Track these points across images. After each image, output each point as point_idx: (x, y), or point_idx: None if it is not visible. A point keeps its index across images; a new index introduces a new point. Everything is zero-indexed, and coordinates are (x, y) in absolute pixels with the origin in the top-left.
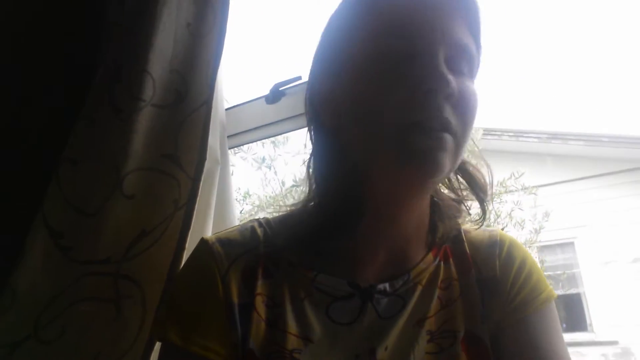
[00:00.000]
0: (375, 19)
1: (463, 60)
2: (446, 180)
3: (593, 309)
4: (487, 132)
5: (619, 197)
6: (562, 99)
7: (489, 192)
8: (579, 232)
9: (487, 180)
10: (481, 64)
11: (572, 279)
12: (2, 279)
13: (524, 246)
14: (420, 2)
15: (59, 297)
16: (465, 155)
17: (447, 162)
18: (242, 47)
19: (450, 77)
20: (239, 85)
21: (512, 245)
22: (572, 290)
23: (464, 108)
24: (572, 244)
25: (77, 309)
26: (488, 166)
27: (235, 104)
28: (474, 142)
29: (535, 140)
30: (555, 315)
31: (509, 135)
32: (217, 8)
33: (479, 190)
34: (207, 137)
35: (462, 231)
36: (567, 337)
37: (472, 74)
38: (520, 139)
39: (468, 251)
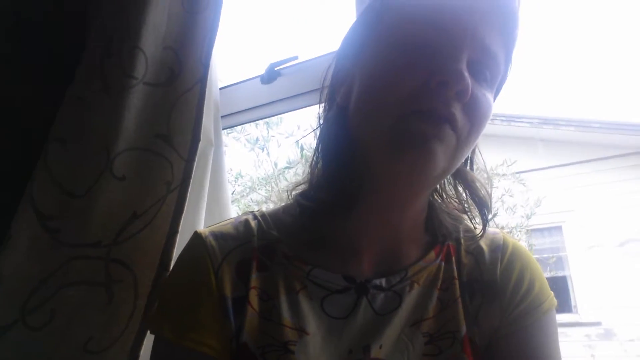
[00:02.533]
0: (410, 4)
1: (487, 67)
2: (446, 188)
3: (578, 292)
4: None
5: (608, 182)
6: (553, 84)
7: (490, 204)
8: (567, 217)
9: (488, 191)
10: (506, 81)
11: (559, 262)
12: None
13: (527, 250)
14: (460, 2)
15: (47, 281)
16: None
17: (441, 155)
18: (237, 25)
19: (467, 75)
20: (233, 64)
21: (515, 250)
22: (559, 273)
23: (475, 111)
24: (559, 228)
25: (66, 293)
26: (489, 177)
27: (230, 84)
28: (479, 153)
29: (527, 125)
30: (554, 324)
31: (500, 120)
32: None
33: (478, 199)
34: (201, 117)
35: (465, 229)
36: None
37: (492, 85)
38: (512, 123)
39: (471, 251)
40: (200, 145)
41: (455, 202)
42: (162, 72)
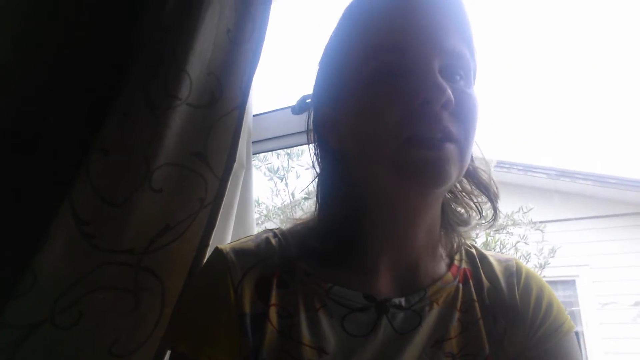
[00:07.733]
0: (369, 37)
1: (458, 67)
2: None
3: (590, 349)
4: (497, 164)
5: (623, 239)
6: (572, 136)
7: (494, 187)
8: (581, 271)
9: (490, 175)
10: (478, 67)
11: (572, 317)
12: (24, 263)
13: (539, 275)
14: (412, 16)
15: (78, 283)
16: None
17: (452, 171)
18: (273, 54)
19: (445, 85)
20: (264, 92)
21: (529, 275)
22: None
23: (464, 114)
24: (573, 282)
25: (95, 296)
26: (486, 161)
27: (262, 112)
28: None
29: (544, 176)
30: (576, 346)
31: (517, 169)
32: (257, 18)
33: (483, 188)
34: (237, 140)
35: (480, 255)
36: None
37: (468, 79)
38: (529, 173)
39: (488, 275)
40: (234, 166)
41: (465, 196)
42: (205, 95)
